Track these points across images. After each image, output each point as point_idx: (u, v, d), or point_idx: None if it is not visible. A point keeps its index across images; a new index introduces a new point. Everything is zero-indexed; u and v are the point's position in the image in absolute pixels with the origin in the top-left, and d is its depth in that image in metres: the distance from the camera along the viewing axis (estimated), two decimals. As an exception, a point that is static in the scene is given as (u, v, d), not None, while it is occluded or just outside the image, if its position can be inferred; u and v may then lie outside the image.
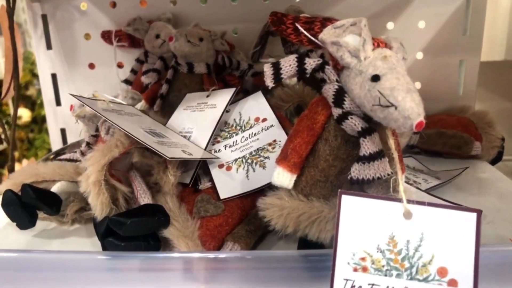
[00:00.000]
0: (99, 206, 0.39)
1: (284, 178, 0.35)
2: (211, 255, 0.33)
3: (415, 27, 0.65)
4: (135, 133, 0.38)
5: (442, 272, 0.28)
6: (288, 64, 0.35)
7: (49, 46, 0.69)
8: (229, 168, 0.44)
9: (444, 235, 0.28)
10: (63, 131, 0.72)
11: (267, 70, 0.35)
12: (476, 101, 0.68)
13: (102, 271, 0.35)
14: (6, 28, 0.67)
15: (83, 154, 0.44)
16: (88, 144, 0.45)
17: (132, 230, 0.35)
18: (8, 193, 0.43)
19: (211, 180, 0.43)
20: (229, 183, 0.42)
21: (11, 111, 1.52)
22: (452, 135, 0.58)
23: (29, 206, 0.43)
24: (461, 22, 0.64)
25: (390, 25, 0.65)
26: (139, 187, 0.39)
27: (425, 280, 0.28)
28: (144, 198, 0.39)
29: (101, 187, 0.38)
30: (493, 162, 0.59)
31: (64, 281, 0.35)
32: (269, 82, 0.35)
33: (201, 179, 0.44)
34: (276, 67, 0.35)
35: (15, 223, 0.44)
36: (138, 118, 0.45)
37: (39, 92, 1.68)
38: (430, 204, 0.28)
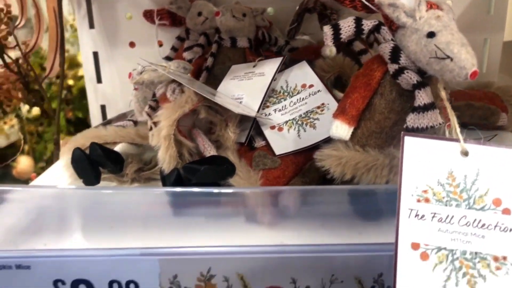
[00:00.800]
0: (167, 159, 0.42)
1: (342, 130, 0.39)
2: (274, 189, 0.37)
3: (441, 7, 0.68)
4: (202, 92, 0.42)
5: (497, 202, 0.31)
6: (347, 25, 0.38)
7: (91, 26, 0.72)
8: (280, 129, 0.47)
9: (498, 170, 0.31)
10: (103, 107, 0.76)
11: (327, 30, 0.39)
12: (497, 78, 0.71)
13: (166, 206, 0.39)
14: (50, 8, 0.71)
15: (149, 115, 0.47)
16: (150, 107, 0.48)
17: (204, 177, 0.39)
18: (77, 151, 0.46)
19: (264, 139, 0.47)
20: (282, 142, 0.46)
21: (21, 105, 1.55)
22: (480, 107, 0.61)
23: (95, 163, 0.46)
24: (485, 2, 0.68)
25: (417, 5, 0.68)
26: (204, 142, 0.43)
27: (482, 209, 0.31)
28: (210, 151, 0.42)
29: (170, 141, 0.42)
30: (518, 132, 0.62)
31: (131, 216, 0.38)
32: (329, 42, 0.39)
33: (255, 139, 0.47)
34: (336, 28, 0.39)
35: (81, 180, 0.47)
36: (195, 82, 0.48)
37: (48, 86, 1.71)
38: (485, 143, 0.32)
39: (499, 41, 0.69)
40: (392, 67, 0.37)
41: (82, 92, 1.41)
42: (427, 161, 0.32)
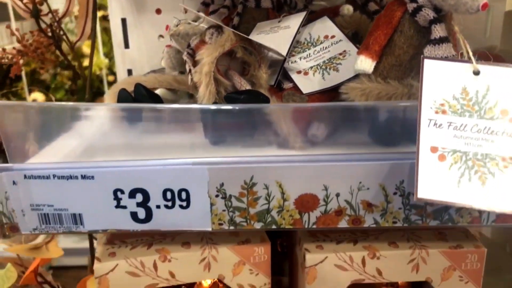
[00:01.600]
0: (207, 95, 0.47)
1: (366, 64, 0.44)
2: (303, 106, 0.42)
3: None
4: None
5: (504, 112, 0.36)
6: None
7: (120, -7, 0.77)
8: (306, 73, 0.52)
9: (506, 86, 0.37)
10: (129, 72, 0.81)
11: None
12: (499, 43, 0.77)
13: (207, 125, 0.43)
14: (82, -23, 0.75)
15: (188, 59, 0.52)
16: (188, 53, 0.53)
17: (243, 105, 0.44)
18: (123, 91, 0.51)
19: (292, 82, 0.52)
20: (308, 83, 0.51)
21: (26, 94, 1.59)
22: (484, 65, 0.66)
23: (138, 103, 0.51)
24: (489, -28, 0.73)
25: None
26: (241, 79, 0.48)
27: (491, 118, 0.36)
28: (246, 87, 0.47)
29: (211, 78, 0.46)
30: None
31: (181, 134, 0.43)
32: (355, -15, 0.44)
33: (283, 82, 0.52)
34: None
35: (125, 120, 0.52)
36: (229, 32, 0.53)
37: (53, 77, 1.76)
38: (494, 63, 0.37)
39: (502, 9, 0.75)
40: (411, 6, 0.42)
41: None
42: (443, 80, 0.37)
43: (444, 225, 0.40)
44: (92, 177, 0.40)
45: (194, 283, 0.52)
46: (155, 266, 0.47)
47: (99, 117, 0.41)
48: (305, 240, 0.49)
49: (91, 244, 0.79)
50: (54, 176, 0.40)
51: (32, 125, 0.41)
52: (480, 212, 0.40)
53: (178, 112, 0.43)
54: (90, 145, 0.42)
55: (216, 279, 0.51)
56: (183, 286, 0.54)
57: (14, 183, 0.40)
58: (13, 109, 0.40)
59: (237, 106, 0.40)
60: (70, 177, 0.40)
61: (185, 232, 0.51)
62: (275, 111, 0.42)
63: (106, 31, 1.85)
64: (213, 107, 0.42)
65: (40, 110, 0.40)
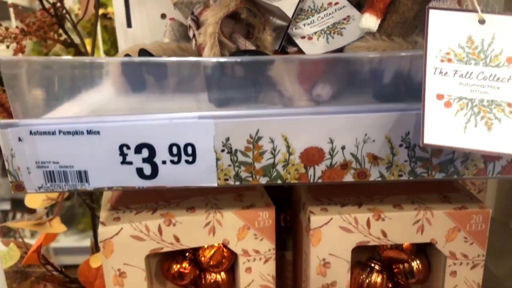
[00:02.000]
0: (212, 56, 0.47)
1: (370, 21, 0.44)
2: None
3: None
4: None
5: (510, 60, 0.36)
6: None
7: (123, -28, 0.77)
8: (310, 38, 0.52)
9: (511, 34, 0.37)
10: (132, 51, 0.81)
11: None
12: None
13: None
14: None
15: (192, 24, 0.52)
16: (192, 19, 0.53)
17: (248, 64, 0.44)
18: (127, 56, 0.51)
19: (296, 46, 0.52)
20: (312, 47, 0.51)
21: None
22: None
23: (142, 70, 0.51)
24: None
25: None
26: (245, 41, 0.48)
27: (497, 66, 0.36)
28: (250, 48, 0.47)
29: (215, 40, 0.46)
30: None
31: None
32: None
33: (287, 47, 0.52)
34: None
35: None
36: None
37: None
38: (500, 12, 0.37)
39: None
40: (416, -38, 0.42)
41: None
42: (448, 29, 0.37)
43: (449, 178, 0.40)
44: (98, 132, 0.40)
45: (198, 248, 0.52)
46: (159, 230, 0.47)
47: (105, 73, 0.41)
48: (309, 204, 0.49)
49: (94, 223, 0.79)
50: (60, 131, 0.40)
51: (37, 81, 0.41)
52: (486, 163, 0.40)
53: (182, 67, 0.43)
54: (95, 107, 0.42)
55: (220, 244, 0.51)
56: (187, 253, 0.54)
57: (19, 139, 0.40)
58: (18, 64, 0.40)
59: (239, 59, 0.40)
60: (76, 133, 0.40)
61: (189, 198, 0.51)
62: (280, 63, 0.41)
63: (106, 29, 1.86)
64: (215, 59, 0.42)
65: (45, 65, 0.40)
